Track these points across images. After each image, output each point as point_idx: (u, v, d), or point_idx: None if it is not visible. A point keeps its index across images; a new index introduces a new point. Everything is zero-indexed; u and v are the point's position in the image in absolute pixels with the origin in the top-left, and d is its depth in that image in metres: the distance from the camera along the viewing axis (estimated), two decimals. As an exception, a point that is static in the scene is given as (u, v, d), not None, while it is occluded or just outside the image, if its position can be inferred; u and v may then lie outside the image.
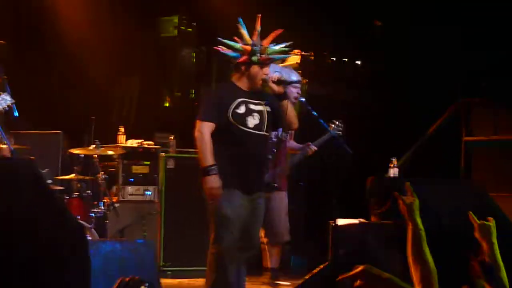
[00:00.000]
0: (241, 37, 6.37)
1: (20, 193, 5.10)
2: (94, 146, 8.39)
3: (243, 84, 6.40)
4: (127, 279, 3.64)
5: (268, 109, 6.43)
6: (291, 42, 6.70)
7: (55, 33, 10.14)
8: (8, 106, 6.40)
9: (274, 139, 6.98)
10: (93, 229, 7.79)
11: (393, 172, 8.37)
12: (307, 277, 7.32)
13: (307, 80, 9.70)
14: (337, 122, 7.89)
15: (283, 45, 6.53)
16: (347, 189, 8.27)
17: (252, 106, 6.35)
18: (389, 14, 11.35)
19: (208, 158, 6.14)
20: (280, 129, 7.01)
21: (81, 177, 8.22)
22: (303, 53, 9.82)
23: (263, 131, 6.40)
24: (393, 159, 8.48)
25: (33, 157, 6.48)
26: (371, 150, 9.08)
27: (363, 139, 8.63)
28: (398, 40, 11.13)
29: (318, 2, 10.81)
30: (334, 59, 11.06)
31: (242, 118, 6.29)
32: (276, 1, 9.15)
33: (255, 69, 6.32)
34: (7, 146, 6.54)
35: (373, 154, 8.91)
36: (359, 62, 11.34)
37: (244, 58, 6.33)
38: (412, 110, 10.89)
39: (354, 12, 11.39)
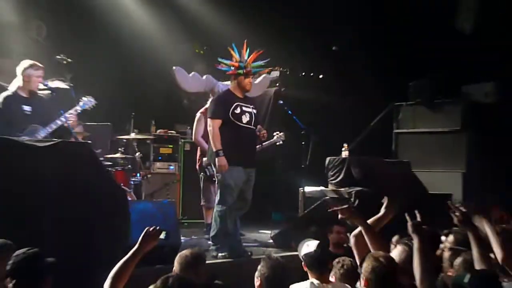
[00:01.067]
0: (232, 57, 6.55)
1: (81, 167, 5.15)
2: (133, 134, 8.41)
3: (238, 92, 6.56)
4: (151, 228, 3.68)
5: (255, 111, 6.60)
6: (269, 59, 6.85)
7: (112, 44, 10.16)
8: (93, 106, 6.39)
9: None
10: (132, 193, 7.71)
11: (345, 154, 8.45)
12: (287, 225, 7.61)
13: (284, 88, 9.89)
14: (280, 134, 7.83)
15: (262, 62, 6.72)
16: (313, 165, 8.28)
17: (244, 108, 6.48)
18: (343, 42, 11.43)
19: (217, 144, 6.27)
20: None
21: (124, 155, 8.09)
22: (281, 68, 9.98)
23: (252, 125, 6.54)
24: (345, 144, 8.56)
25: (90, 141, 6.40)
26: (327, 136, 8.98)
27: (323, 129, 8.56)
28: (349, 61, 11.14)
29: (301, 32, 10.84)
30: (304, 73, 11.06)
31: (238, 117, 6.42)
32: (265, 31, 9.08)
33: (241, 79, 6.49)
34: (72, 133, 6.27)
35: (329, 139, 8.87)
36: (321, 76, 11.34)
37: (232, 71, 6.54)
38: (359, 110, 10.88)
39: (320, 41, 11.45)
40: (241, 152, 6.42)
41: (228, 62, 6.58)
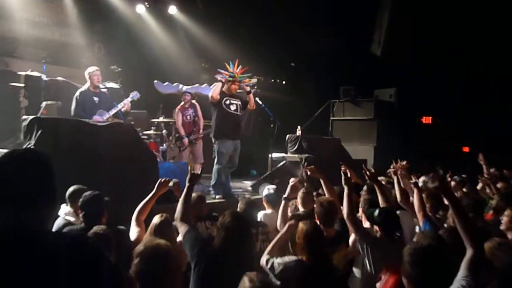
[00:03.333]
0: (227, 69, 6.41)
1: (126, 140, 5.13)
2: (161, 118, 8.31)
3: (228, 91, 6.39)
4: (163, 180, 3.59)
5: (239, 102, 6.41)
6: (251, 73, 6.76)
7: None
8: (138, 98, 6.21)
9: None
10: (160, 156, 7.58)
11: (298, 133, 8.46)
12: (260, 178, 7.54)
13: (260, 89, 9.84)
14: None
15: (246, 74, 6.55)
16: (278, 139, 8.27)
17: (232, 101, 6.36)
18: (299, 61, 11.38)
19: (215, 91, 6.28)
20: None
21: (155, 132, 7.88)
22: (258, 77, 9.94)
23: (238, 112, 6.42)
24: (299, 126, 8.62)
25: (133, 122, 6.38)
26: (287, 121, 8.90)
27: (285, 117, 8.45)
28: (302, 73, 11.12)
29: (272, 53, 10.71)
30: (273, 80, 10.96)
31: (228, 106, 6.32)
32: (249, 53, 8.89)
33: (230, 84, 6.36)
34: (121, 117, 6.09)
35: (288, 123, 8.76)
36: (284, 82, 11.27)
37: (226, 79, 6.37)
38: (309, 104, 10.92)
39: (284, 60, 11.44)
40: (230, 129, 6.31)
41: (224, 72, 6.43)
